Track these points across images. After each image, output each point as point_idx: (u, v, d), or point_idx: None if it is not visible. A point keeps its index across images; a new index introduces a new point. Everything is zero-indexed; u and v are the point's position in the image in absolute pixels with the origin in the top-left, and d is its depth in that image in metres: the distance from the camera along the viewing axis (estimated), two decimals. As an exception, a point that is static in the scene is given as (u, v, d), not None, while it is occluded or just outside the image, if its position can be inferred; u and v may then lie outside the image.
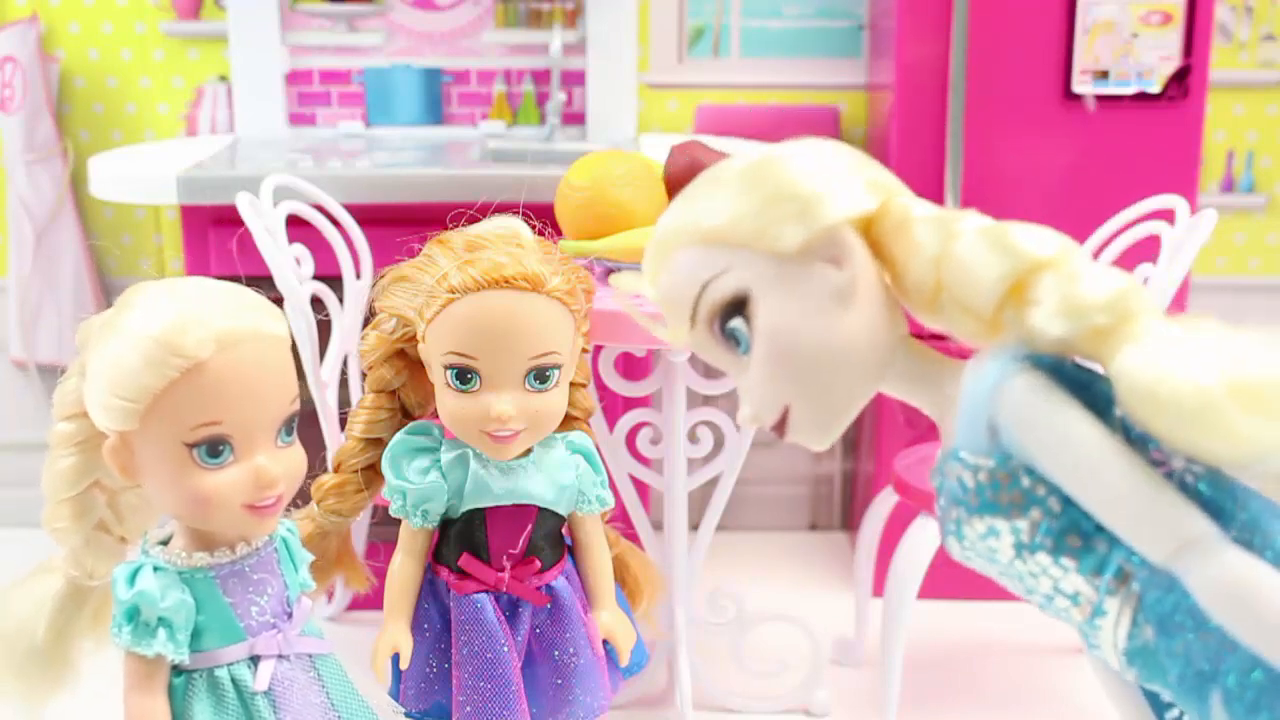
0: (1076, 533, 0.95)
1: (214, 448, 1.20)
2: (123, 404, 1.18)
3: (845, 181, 1.02)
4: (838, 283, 1.01)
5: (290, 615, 1.33)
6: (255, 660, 1.29)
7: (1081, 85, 2.52)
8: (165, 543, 1.29)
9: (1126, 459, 0.91)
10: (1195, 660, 0.92)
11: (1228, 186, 3.05)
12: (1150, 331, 0.92)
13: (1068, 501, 0.95)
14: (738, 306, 1.02)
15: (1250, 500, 0.93)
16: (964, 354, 1.04)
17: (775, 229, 1.00)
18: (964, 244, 0.99)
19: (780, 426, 1.04)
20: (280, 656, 1.30)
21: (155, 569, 1.25)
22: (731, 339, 1.04)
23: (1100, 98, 2.53)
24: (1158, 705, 1.08)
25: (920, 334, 1.09)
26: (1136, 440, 0.93)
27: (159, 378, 1.17)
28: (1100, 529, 0.94)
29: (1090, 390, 0.95)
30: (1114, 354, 0.92)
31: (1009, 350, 0.97)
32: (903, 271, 1.03)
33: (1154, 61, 2.51)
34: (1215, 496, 0.92)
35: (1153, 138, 2.55)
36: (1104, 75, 2.52)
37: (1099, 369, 0.96)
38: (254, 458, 1.22)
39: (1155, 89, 2.52)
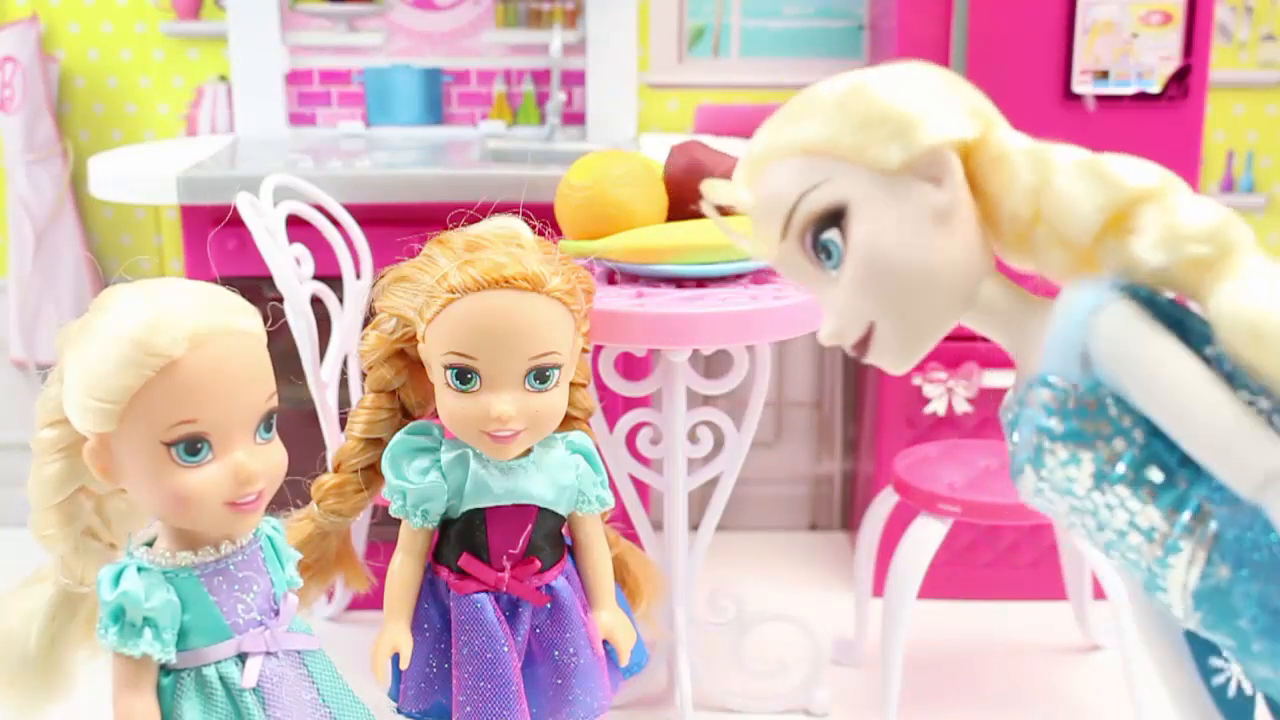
0: (1159, 466, 0.95)
1: (192, 446, 1.20)
2: (100, 405, 1.19)
3: (943, 103, 1.03)
4: (937, 202, 1.01)
5: (277, 612, 1.33)
6: (243, 658, 1.29)
7: (1081, 85, 2.52)
8: (150, 544, 1.29)
9: (1219, 390, 0.91)
10: (1272, 600, 0.92)
11: (1228, 186, 3.05)
12: (1251, 267, 0.92)
13: (1152, 434, 0.95)
14: (834, 218, 1.02)
15: None
16: (1048, 293, 1.03)
17: (877, 146, 1.01)
18: (1064, 175, 0.99)
19: (862, 345, 1.04)
20: (268, 653, 1.30)
21: (139, 569, 1.25)
22: (823, 252, 1.04)
23: (1100, 98, 2.53)
24: (1202, 663, 1.08)
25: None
26: (1228, 378, 0.93)
27: (134, 378, 1.17)
28: (1183, 464, 0.95)
29: (1183, 326, 0.95)
30: (1214, 288, 0.93)
31: (1105, 280, 0.97)
32: (998, 203, 1.03)
33: (1154, 61, 2.51)
34: None
35: (1153, 138, 2.54)
36: (1104, 75, 2.52)
37: (1194, 306, 0.96)
38: (233, 455, 1.22)
39: (1155, 89, 2.52)
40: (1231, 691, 1.07)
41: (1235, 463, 0.90)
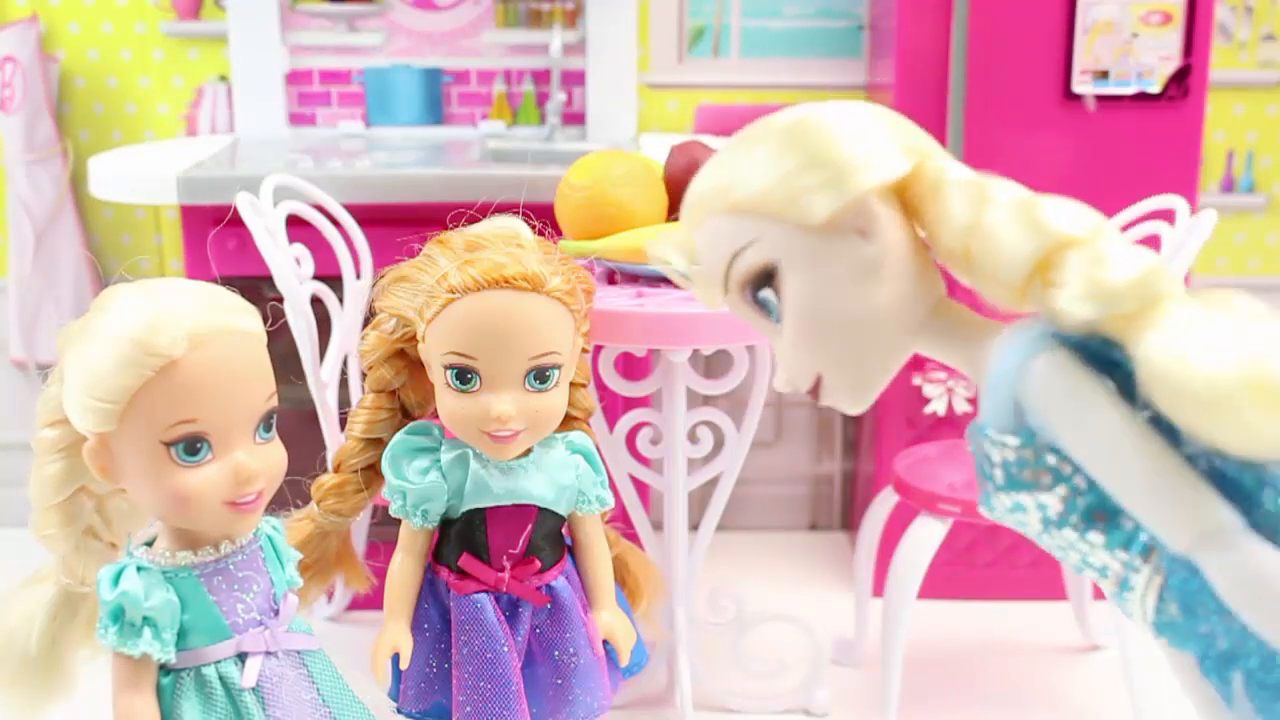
0: (1102, 510, 0.95)
1: (191, 446, 1.20)
2: (100, 405, 1.19)
3: (881, 147, 1.01)
4: (866, 255, 1.01)
5: (277, 612, 1.33)
6: (243, 658, 1.29)
7: (1081, 85, 2.52)
8: (150, 544, 1.29)
9: (1147, 444, 0.90)
10: (1218, 641, 0.91)
11: (1228, 186, 3.05)
12: (1174, 316, 0.91)
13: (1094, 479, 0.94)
14: (768, 276, 1.02)
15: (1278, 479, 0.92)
16: (1003, 316, 1.03)
17: (805, 199, 1.00)
18: (993, 217, 0.98)
19: (815, 392, 1.05)
20: (268, 653, 1.30)
21: (139, 569, 1.25)
22: (763, 307, 1.04)
23: (1100, 98, 2.53)
24: None
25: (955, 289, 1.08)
26: (1163, 420, 0.91)
27: (134, 378, 1.17)
28: None
29: (1118, 369, 0.94)
30: (1138, 338, 0.91)
31: (1035, 327, 0.96)
32: (934, 236, 1.03)
33: (1154, 61, 2.51)
34: (1239, 477, 0.90)
35: (1153, 138, 2.54)
36: (1104, 75, 2.52)
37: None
38: (232, 454, 1.22)
39: (1155, 89, 2.52)
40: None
41: (1165, 521, 0.89)
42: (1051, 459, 0.95)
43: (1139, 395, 0.92)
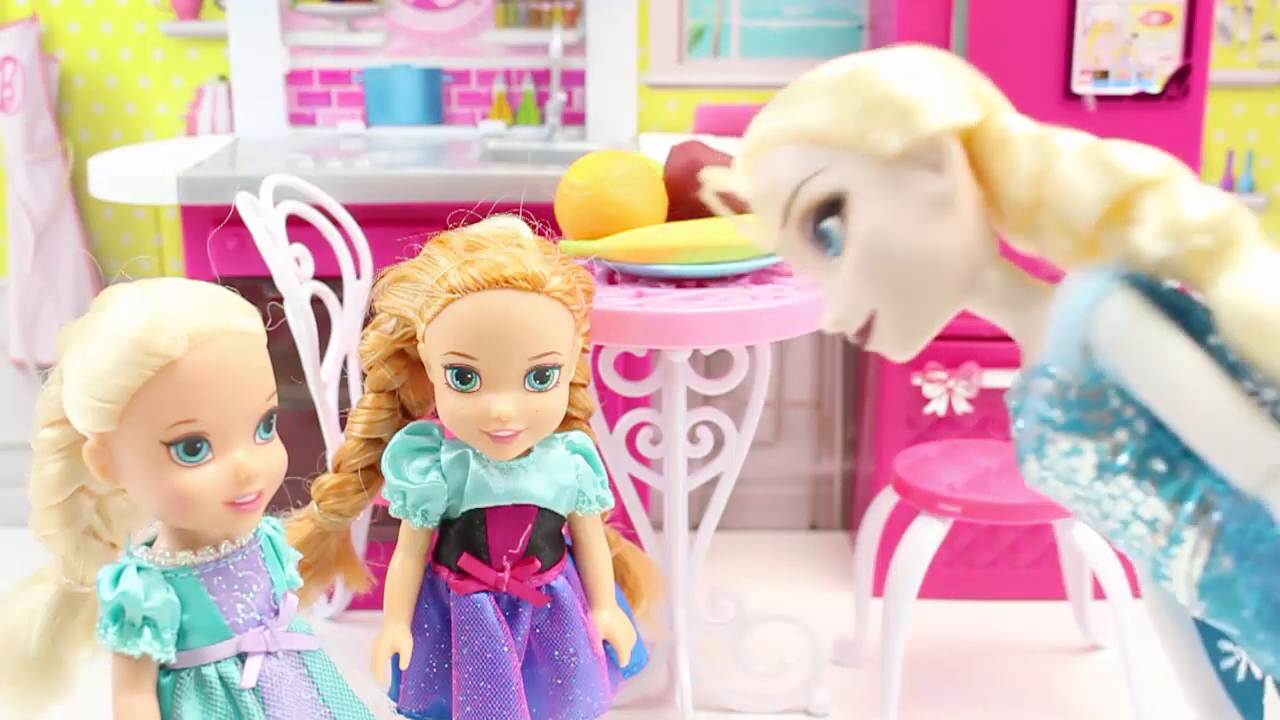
0: (1162, 457, 0.94)
1: (191, 446, 1.20)
2: (100, 405, 1.19)
3: (944, 90, 1.01)
4: (937, 189, 1.01)
5: (277, 612, 1.33)
6: (243, 658, 1.29)
7: (1081, 85, 2.52)
8: (150, 543, 1.29)
9: (1221, 383, 0.90)
10: (1275, 593, 0.91)
11: (1228, 186, 3.05)
12: (1253, 257, 0.91)
13: (1155, 425, 0.94)
14: (833, 206, 1.02)
15: None
16: (1054, 278, 1.03)
17: (876, 133, 1.00)
18: (1066, 162, 0.98)
19: (864, 333, 1.04)
20: (268, 653, 1.30)
21: (139, 569, 1.25)
22: (823, 240, 1.03)
23: (1100, 98, 2.53)
24: (1211, 646, 1.07)
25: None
26: (1231, 370, 0.92)
27: (134, 377, 1.17)
28: (1186, 455, 0.94)
29: (1186, 316, 0.94)
30: (1216, 278, 0.91)
31: (1106, 269, 0.96)
32: (1001, 188, 1.02)
33: (1154, 61, 2.51)
34: None
35: (1153, 138, 2.50)
36: (1104, 75, 2.52)
37: (1196, 295, 0.95)
38: (232, 455, 1.22)
39: (1155, 89, 2.52)
40: (1240, 675, 1.06)
41: (1235, 457, 0.89)
42: (1115, 400, 0.95)
43: (1207, 343, 0.92)
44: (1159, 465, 0.94)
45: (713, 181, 1.11)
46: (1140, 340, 0.92)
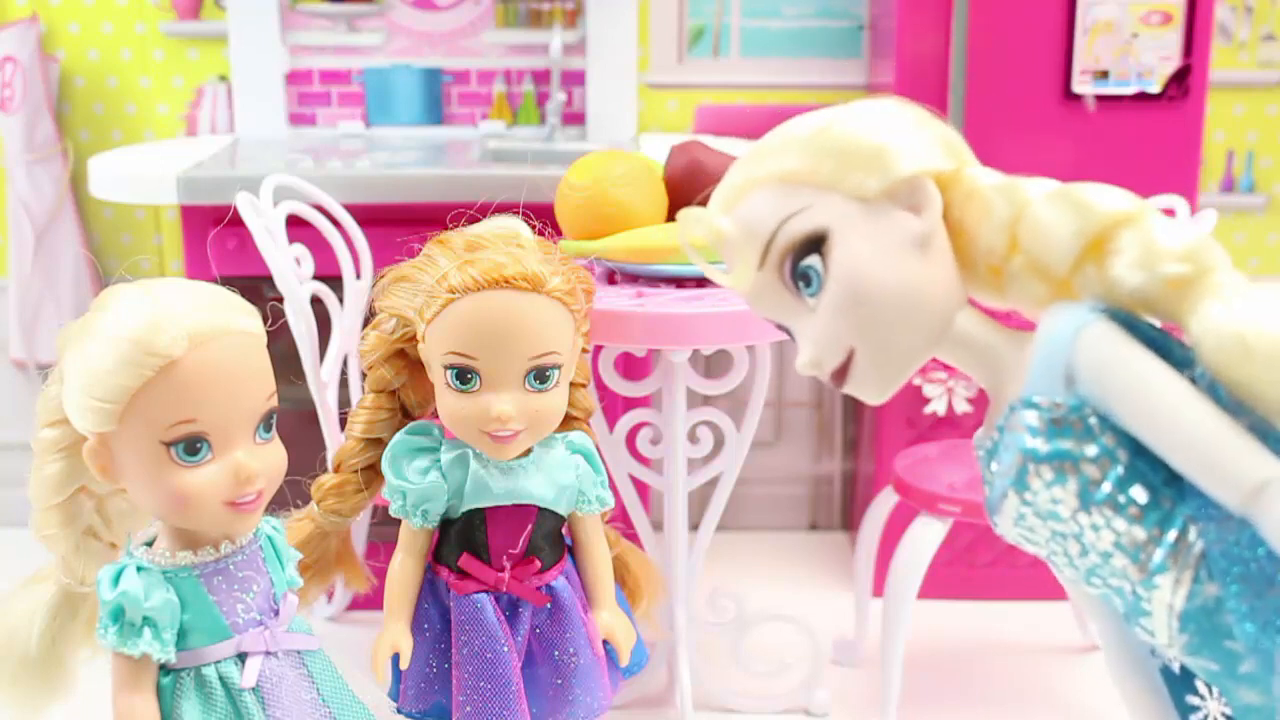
0: (1144, 485, 0.95)
1: (191, 446, 1.20)
2: (100, 405, 1.19)
3: (916, 137, 1.04)
4: (917, 230, 1.02)
5: (277, 612, 1.33)
6: (243, 658, 1.29)
7: (1081, 85, 2.52)
8: (150, 544, 1.29)
9: (1203, 403, 0.92)
10: (1262, 613, 0.91)
11: (1228, 186, 3.05)
12: (1231, 284, 0.93)
13: (1137, 453, 0.95)
14: (814, 245, 1.03)
15: None
16: (1024, 328, 1.04)
17: (856, 176, 1.02)
18: (1038, 206, 1.00)
19: (840, 374, 1.05)
20: (268, 653, 1.30)
21: (139, 569, 1.25)
22: (801, 279, 1.04)
23: (1100, 98, 2.53)
24: (1178, 698, 1.08)
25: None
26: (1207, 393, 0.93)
27: (134, 377, 1.17)
28: (1168, 484, 0.95)
29: (1164, 349, 0.96)
30: (1195, 307, 0.93)
31: (1085, 302, 0.98)
32: (973, 238, 1.04)
33: (1154, 61, 2.51)
34: None
35: (1153, 138, 2.54)
36: (1104, 75, 2.52)
37: (1173, 333, 0.97)
38: (232, 455, 1.22)
39: (1155, 89, 2.52)
40: None
41: (1223, 474, 0.90)
42: (1098, 429, 0.96)
43: (1187, 374, 0.93)
44: (1140, 494, 0.95)
45: (688, 226, 1.11)
46: (1123, 364, 0.94)
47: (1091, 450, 0.96)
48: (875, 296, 1.01)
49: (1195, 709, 1.07)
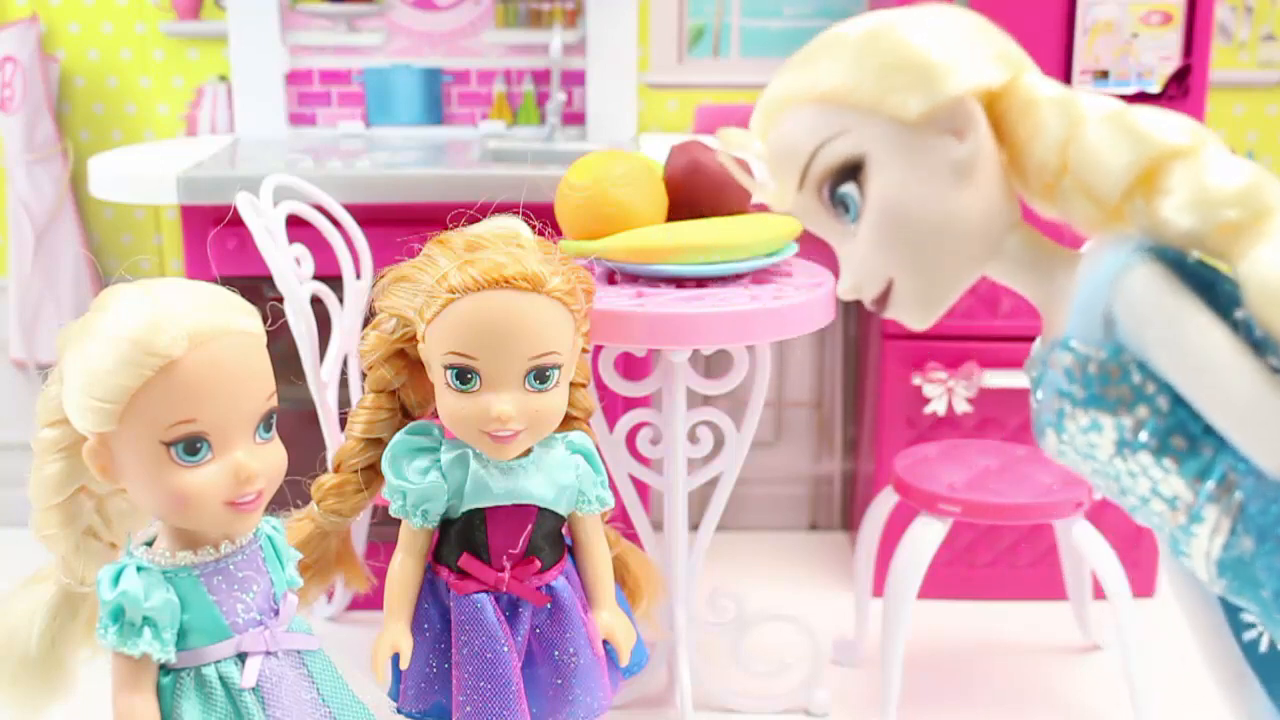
0: (1183, 434, 0.93)
1: (191, 446, 1.20)
2: (100, 405, 1.19)
3: (969, 52, 0.99)
4: (958, 155, 0.99)
5: (277, 612, 1.33)
6: (243, 658, 1.29)
7: (1081, 85, 2.52)
8: (150, 543, 1.29)
9: (1247, 361, 0.88)
10: None
11: (1228, 186, 3.05)
12: None
13: (1176, 401, 0.92)
14: (851, 171, 1.00)
15: None
16: (1077, 244, 1.01)
17: (897, 96, 0.98)
18: (1093, 128, 0.96)
19: (881, 300, 1.02)
20: (268, 653, 1.30)
21: (139, 569, 1.25)
22: (840, 205, 1.02)
23: (1100, 98, 2.53)
24: (1234, 618, 1.06)
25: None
26: (1257, 345, 0.90)
27: (134, 377, 1.17)
28: (1207, 433, 0.92)
29: (1212, 289, 0.92)
30: (1244, 252, 0.89)
31: (1131, 239, 0.94)
32: (1025, 152, 1.00)
33: (1154, 61, 2.51)
34: None
35: (1153, 138, 2.54)
36: (1104, 75, 2.52)
37: (1223, 268, 0.94)
38: (232, 454, 1.22)
39: (1155, 89, 2.52)
40: (1263, 647, 1.05)
41: (1258, 436, 0.88)
42: (1137, 376, 0.93)
43: (1233, 318, 0.90)
44: (1180, 443, 0.92)
45: (728, 144, 1.08)
46: (1164, 314, 0.90)
47: (1129, 397, 0.93)
48: (913, 229, 0.99)
49: (1250, 625, 1.05)
